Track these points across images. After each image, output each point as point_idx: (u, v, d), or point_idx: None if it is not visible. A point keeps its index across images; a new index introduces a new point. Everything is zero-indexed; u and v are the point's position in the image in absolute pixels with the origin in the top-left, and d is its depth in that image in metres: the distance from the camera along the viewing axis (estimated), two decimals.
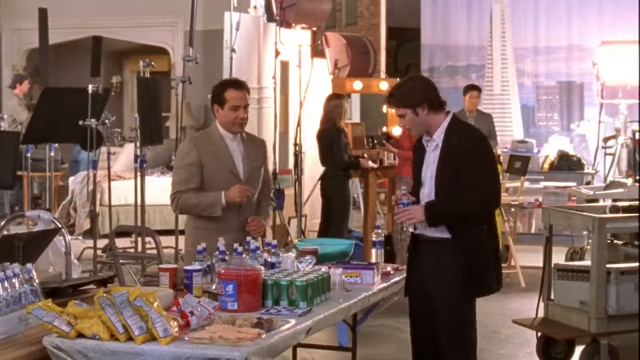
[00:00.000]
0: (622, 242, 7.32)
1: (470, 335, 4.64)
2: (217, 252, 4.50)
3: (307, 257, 4.61)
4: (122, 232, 9.81)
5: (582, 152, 12.58)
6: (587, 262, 6.66)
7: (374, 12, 19.52)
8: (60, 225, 5.13)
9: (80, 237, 11.16)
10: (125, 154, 12.54)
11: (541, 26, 13.41)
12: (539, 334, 6.50)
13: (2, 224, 5.41)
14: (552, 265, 6.56)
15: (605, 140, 12.06)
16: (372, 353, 6.64)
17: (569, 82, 13.35)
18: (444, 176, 4.53)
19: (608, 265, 6.14)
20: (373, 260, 4.92)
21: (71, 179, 12.51)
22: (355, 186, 12.10)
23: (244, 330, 3.60)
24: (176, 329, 3.55)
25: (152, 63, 9.19)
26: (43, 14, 9.99)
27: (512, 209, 9.81)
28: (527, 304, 7.80)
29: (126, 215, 11.32)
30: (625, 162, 11.50)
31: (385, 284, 4.77)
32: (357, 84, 11.24)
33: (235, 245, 4.59)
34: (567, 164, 10.98)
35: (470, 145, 4.53)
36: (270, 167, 10.07)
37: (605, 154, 11.95)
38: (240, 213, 5.09)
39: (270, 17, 10.69)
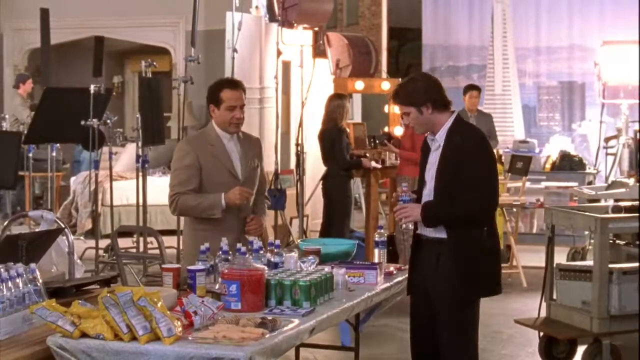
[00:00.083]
0: (624, 242, 7.32)
1: (470, 335, 4.61)
2: (220, 252, 4.50)
3: (310, 257, 4.61)
4: (124, 232, 9.81)
5: (583, 152, 12.58)
6: (589, 262, 6.66)
7: (375, 12, 19.53)
8: (63, 226, 5.13)
9: (81, 237, 11.16)
10: (127, 154, 12.55)
11: (542, 26, 13.42)
12: (541, 333, 6.51)
13: (6, 224, 5.42)
14: (555, 265, 6.56)
15: (607, 140, 12.07)
16: (375, 353, 6.64)
17: (570, 82, 13.36)
18: (444, 176, 4.52)
19: (610, 265, 6.14)
20: (376, 260, 4.92)
21: (73, 179, 12.51)
22: (356, 186, 12.10)
23: (248, 330, 3.60)
24: (180, 328, 3.56)
25: (154, 63, 9.19)
26: (45, 14, 9.99)
27: (514, 209, 9.81)
28: (529, 303, 7.80)
29: (128, 216, 11.32)
30: (626, 162, 11.52)
31: (388, 284, 4.77)
32: (359, 84, 11.24)
33: (239, 245, 4.59)
34: (568, 164, 10.99)
35: (471, 146, 4.51)
36: (272, 167, 10.10)
37: (607, 154, 11.96)
38: (239, 214, 5.08)
39: (272, 17, 10.69)
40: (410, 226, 4.71)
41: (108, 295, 3.59)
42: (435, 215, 4.54)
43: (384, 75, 13.17)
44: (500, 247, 4.77)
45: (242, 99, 5.04)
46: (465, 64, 13.81)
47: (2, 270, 3.71)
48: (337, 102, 9.54)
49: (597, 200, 8.56)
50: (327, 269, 4.48)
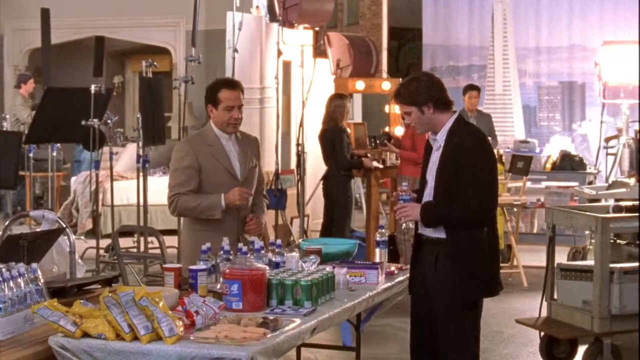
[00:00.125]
0: (625, 241, 7.32)
1: (470, 336, 4.61)
2: (222, 252, 4.50)
3: (311, 257, 4.61)
4: (124, 232, 9.81)
5: (583, 152, 12.59)
6: (590, 262, 6.66)
7: (376, 12, 19.52)
8: (64, 225, 5.13)
9: (82, 237, 11.16)
10: (128, 154, 12.55)
11: (543, 26, 13.42)
12: (542, 333, 6.51)
13: (7, 223, 5.42)
14: (555, 265, 6.56)
15: (607, 140, 12.07)
16: (376, 353, 6.64)
17: (571, 82, 13.36)
18: (444, 177, 4.52)
19: (611, 265, 6.14)
20: (377, 259, 4.92)
21: (73, 179, 12.52)
22: (357, 186, 12.10)
23: (250, 329, 3.60)
24: (182, 328, 3.56)
25: (155, 63, 9.19)
26: (45, 14, 9.98)
27: (515, 209, 9.82)
28: (530, 303, 7.81)
29: (128, 215, 11.33)
30: (627, 162, 11.52)
31: (389, 284, 4.77)
32: (360, 84, 11.25)
33: (240, 245, 4.59)
34: (569, 164, 11.00)
35: (471, 147, 4.50)
36: (273, 167, 10.10)
37: (607, 154, 11.96)
38: (239, 214, 5.07)
39: (272, 17, 10.68)
40: (411, 225, 4.71)
41: (110, 295, 3.59)
42: (434, 216, 4.54)
43: (385, 75, 13.18)
44: (499, 247, 4.76)
45: (240, 99, 5.03)
46: (465, 64, 13.81)
47: (3, 270, 3.71)
48: (337, 102, 9.55)
49: (598, 200, 8.56)
50: (328, 268, 4.48)
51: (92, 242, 9.69)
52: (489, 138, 5.12)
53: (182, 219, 7.33)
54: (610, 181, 10.19)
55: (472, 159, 4.48)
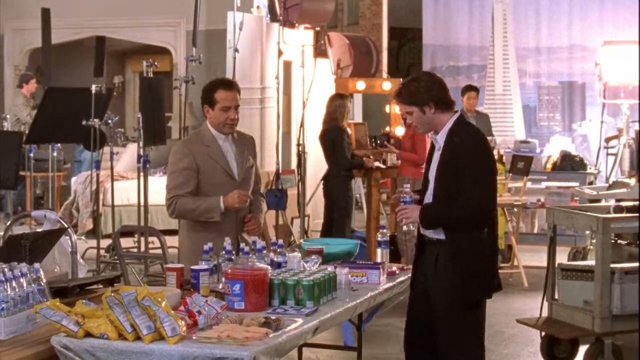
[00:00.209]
0: (625, 242, 7.32)
1: (471, 337, 4.60)
2: (224, 252, 4.50)
3: (313, 257, 4.61)
4: (125, 232, 9.81)
5: (583, 152, 12.59)
6: (591, 262, 6.67)
7: (376, 12, 19.53)
8: (66, 225, 5.13)
9: (82, 237, 11.15)
10: (128, 154, 12.55)
11: (543, 26, 13.42)
12: (543, 333, 6.51)
13: (9, 223, 5.42)
14: (556, 265, 6.56)
15: (607, 140, 12.07)
16: (378, 353, 6.64)
17: (571, 82, 13.36)
18: (444, 177, 4.51)
19: (612, 265, 6.15)
20: (379, 259, 4.93)
21: (73, 179, 12.52)
22: (357, 186, 12.10)
23: (252, 329, 3.61)
24: (184, 328, 3.56)
25: (155, 63, 9.19)
26: (46, 14, 9.98)
27: (515, 209, 9.82)
28: (530, 303, 7.82)
29: (129, 215, 11.32)
30: (627, 162, 11.52)
31: (390, 284, 4.78)
32: (360, 84, 11.25)
33: (242, 245, 4.58)
34: (569, 164, 11.00)
35: (470, 147, 4.50)
36: (273, 167, 10.10)
37: (607, 154, 11.97)
38: (237, 215, 5.06)
39: (273, 17, 10.69)
40: (412, 227, 4.70)
41: (112, 294, 3.59)
42: (433, 217, 4.54)
43: (385, 75, 13.18)
44: (498, 248, 4.76)
45: (237, 100, 5.01)
46: (465, 64, 13.81)
47: (6, 269, 3.71)
48: (338, 102, 9.55)
49: (598, 201, 8.56)
50: (330, 268, 4.48)
51: (93, 242, 9.68)
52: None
53: (181, 220, 7.32)
54: (610, 181, 10.20)
55: (472, 159, 4.47)
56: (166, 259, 6.49)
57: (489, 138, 6.35)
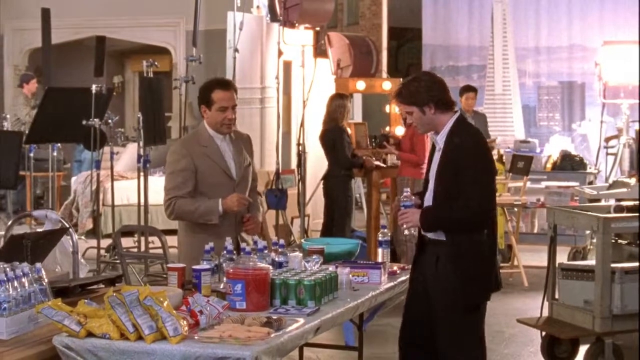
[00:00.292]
0: (626, 241, 7.33)
1: (471, 337, 4.59)
2: (225, 252, 4.50)
3: (314, 257, 4.61)
4: (125, 232, 9.80)
5: (583, 152, 12.60)
6: (591, 262, 6.67)
7: (376, 12, 19.53)
8: (67, 225, 5.13)
9: (83, 237, 11.15)
10: (128, 154, 12.55)
11: (542, 26, 13.43)
12: (543, 333, 6.51)
13: (10, 223, 5.42)
14: (557, 265, 6.57)
15: (607, 140, 12.08)
16: (379, 352, 6.63)
17: (571, 82, 13.38)
18: (444, 178, 4.51)
19: (612, 265, 6.15)
20: (379, 259, 4.93)
21: (73, 178, 12.52)
22: (357, 186, 12.11)
23: (254, 329, 3.61)
24: (186, 328, 3.56)
25: (155, 63, 9.20)
26: (46, 14, 9.98)
27: (515, 209, 9.82)
28: (531, 303, 7.82)
29: (129, 215, 11.32)
30: (627, 161, 11.53)
31: (391, 284, 4.78)
32: (360, 84, 11.26)
33: (243, 245, 4.59)
34: (569, 164, 11.00)
35: (471, 148, 4.50)
36: (273, 167, 10.10)
37: (607, 153, 11.98)
38: (236, 216, 5.06)
39: (273, 17, 10.69)
40: (413, 231, 4.70)
41: (114, 294, 3.59)
42: (434, 220, 4.54)
43: (385, 75, 13.18)
44: (497, 249, 4.76)
45: (234, 100, 4.99)
46: (465, 64, 13.82)
47: (7, 269, 3.71)
48: (338, 102, 9.55)
49: (598, 200, 8.57)
50: (331, 268, 4.48)
51: (93, 242, 9.68)
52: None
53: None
54: (610, 181, 10.20)
55: (472, 159, 4.47)
56: (167, 258, 6.48)
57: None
